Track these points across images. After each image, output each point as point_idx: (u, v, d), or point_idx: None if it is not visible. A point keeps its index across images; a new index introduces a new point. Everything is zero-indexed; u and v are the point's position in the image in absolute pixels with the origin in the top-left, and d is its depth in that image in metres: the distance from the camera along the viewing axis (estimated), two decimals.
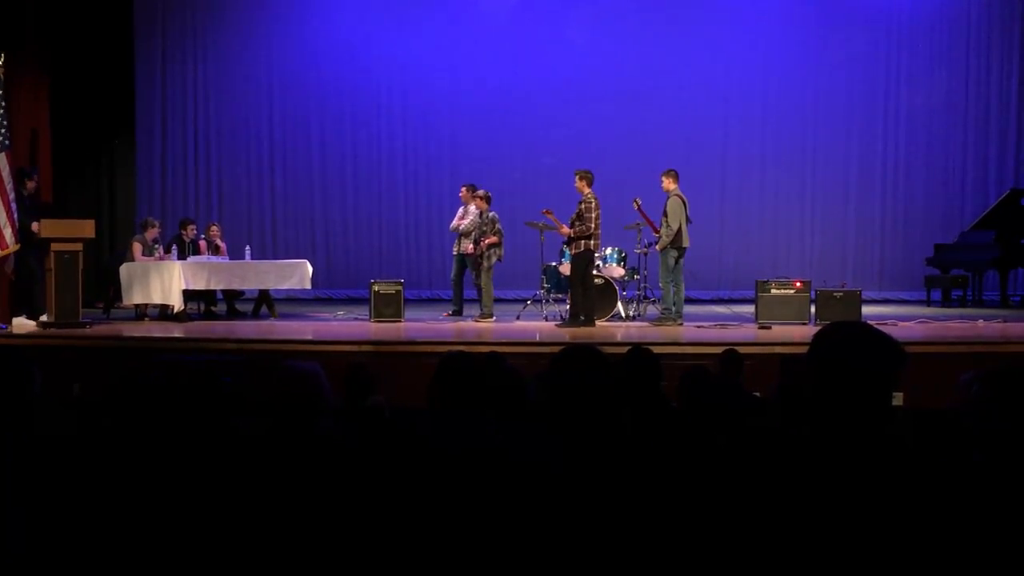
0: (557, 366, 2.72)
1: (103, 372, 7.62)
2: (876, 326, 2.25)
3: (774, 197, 14.82)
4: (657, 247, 10.25)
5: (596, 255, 10.16)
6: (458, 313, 11.18)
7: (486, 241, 10.67)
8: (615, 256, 10.98)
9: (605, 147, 13.87)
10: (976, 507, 2.09)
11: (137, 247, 11.10)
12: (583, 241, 9.81)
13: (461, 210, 11.23)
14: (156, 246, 11.26)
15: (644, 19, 14.52)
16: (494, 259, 10.74)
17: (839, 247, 14.86)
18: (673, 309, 10.12)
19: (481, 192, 10.94)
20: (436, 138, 15.00)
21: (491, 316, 10.56)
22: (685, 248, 10.14)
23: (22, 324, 9.50)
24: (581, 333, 9.45)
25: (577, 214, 9.90)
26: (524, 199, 13.33)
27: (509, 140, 14.67)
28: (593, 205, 9.81)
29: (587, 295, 9.89)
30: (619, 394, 3.46)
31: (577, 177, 9.98)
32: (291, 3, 14.89)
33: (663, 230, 10.09)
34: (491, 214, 10.81)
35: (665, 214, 10.10)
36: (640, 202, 10.64)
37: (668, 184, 10.24)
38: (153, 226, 11.44)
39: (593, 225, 9.79)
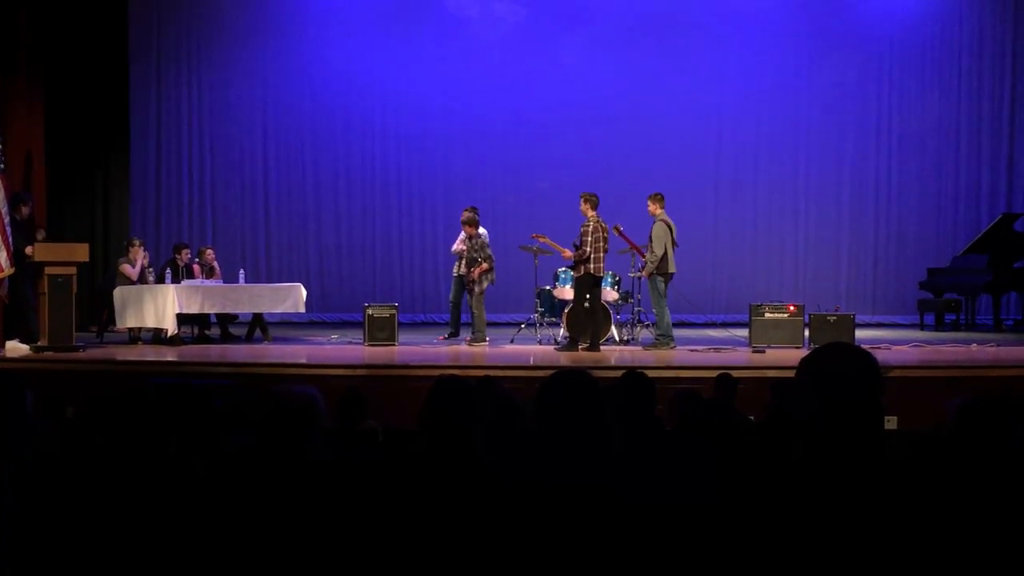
0: (546, 389, 2.70)
1: (96, 395, 7.60)
2: (861, 347, 2.27)
3: (767, 221, 14.87)
4: (643, 273, 10.20)
5: (600, 279, 10.05)
6: (455, 335, 11.15)
7: (477, 270, 10.56)
8: (609, 280, 10.97)
9: (598, 170, 13.91)
10: (961, 527, 2.10)
11: (126, 267, 11.06)
12: (582, 265, 9.80)
13: (463, 233, 11.13)
14: (149, 269, 11.20)
15: (637, 44, 14.61)
16: (485, 283, 10.66)
17: (832, 271, 14.89)
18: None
19: (464, 216, 10.80)
20: (430, 162, 15.02)
21: (484, 340, 10.53)
22: (672, 273, 10.07)
23: (16, 348, 9.48)
24: (578, 357, 9.43)
25: (579, 237, 9.90)
26: (518, 222, 13.38)
27: (503, 163, 14.71)
28: (591, 229, 9.76)
29: (589, 319, 9.83)
30: (611, 417, 3.46)
31: (581, 200, 9.97)
32: (286, 26, 14.94)
33: (648, 256, 10.03)
34: (480, 239, 10.73)
35: (650, 239, 10.06)
36: (621, 228, 10.49)
37: (654, 208, 10.17)
38: (134, 245, 11.29)
39: (590, 249, 9.74)
